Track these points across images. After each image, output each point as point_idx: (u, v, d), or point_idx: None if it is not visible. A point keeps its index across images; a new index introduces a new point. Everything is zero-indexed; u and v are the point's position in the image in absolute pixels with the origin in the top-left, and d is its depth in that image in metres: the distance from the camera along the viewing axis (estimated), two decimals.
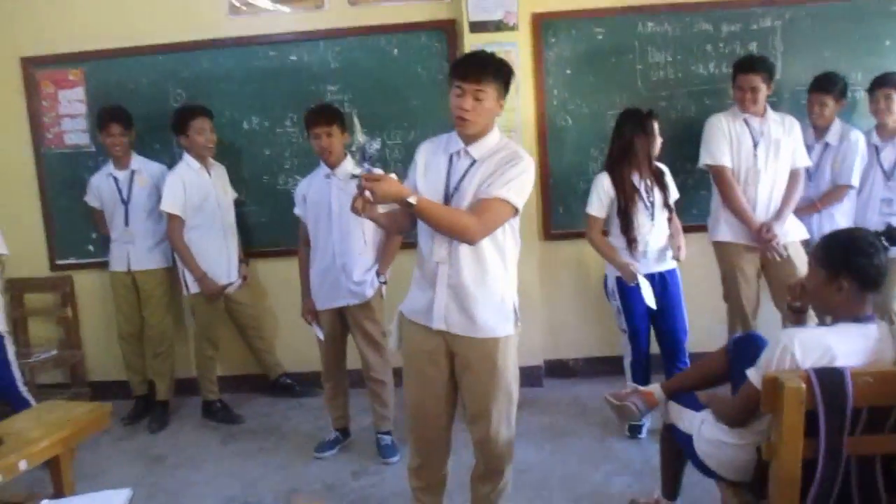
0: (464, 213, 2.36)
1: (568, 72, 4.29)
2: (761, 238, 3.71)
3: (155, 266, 4.27)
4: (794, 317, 2.36)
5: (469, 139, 2.44)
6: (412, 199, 2.25)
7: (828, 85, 3.90)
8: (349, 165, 3.48)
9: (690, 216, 4.05)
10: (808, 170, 3.90)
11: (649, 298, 3.52)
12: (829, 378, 1.90)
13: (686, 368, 2.68)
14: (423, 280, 2.52)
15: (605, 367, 4.47)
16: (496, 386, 2.51)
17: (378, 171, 2.24)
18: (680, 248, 3.62)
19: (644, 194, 3.58)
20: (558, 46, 4.27)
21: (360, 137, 2.25)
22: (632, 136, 3.56)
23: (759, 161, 3.75)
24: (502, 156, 2.42)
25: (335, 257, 3.51)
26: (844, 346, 2.00)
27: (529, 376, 4.35)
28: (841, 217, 3.97)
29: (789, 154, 3.79)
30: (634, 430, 3.63)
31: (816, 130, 4.01)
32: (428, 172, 2.47)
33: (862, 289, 2.06)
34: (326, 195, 3.51)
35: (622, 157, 3.58)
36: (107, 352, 4.61)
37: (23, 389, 3.61)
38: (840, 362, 1.97)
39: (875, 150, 3.95)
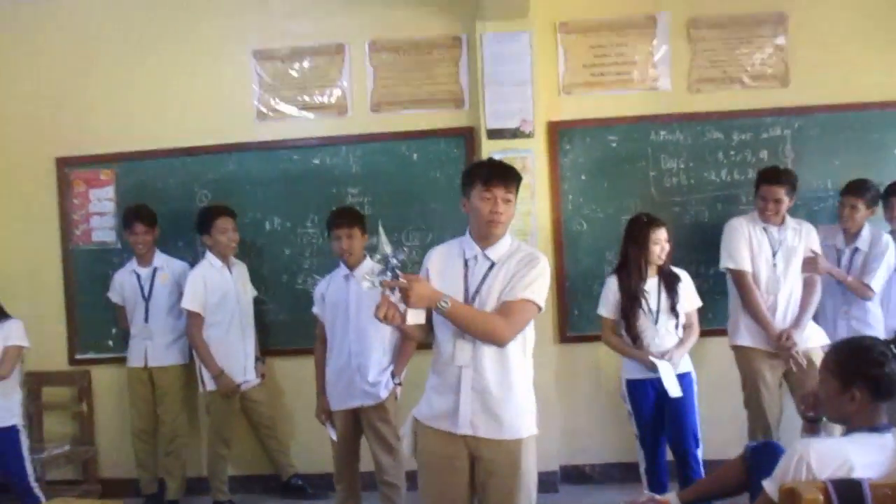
0: (493, 315, 2.43)
1: (583, 177, 4.39)
2: (781, 346, 3.70)
3: (172, 362, 4.30)
4: (809, 427, 2.32)
5: (487, 243, 2.52)
6: (446, 302, 2.31)
7: (860, 189, 3.93)
8: (366, 269, 3.48)
9: (706, 320, 4.04)
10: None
11: (671, 384, 3.47)
12: (848, 490, 1.86)
13: (703, 478, 2.61)
14: (442, 385, 2.52)
15: (621, 473, 4.38)
16: (519, 489, 2.51)
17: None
18: (672, 354, 3.57)
19: (645, 299, 3.60)
20: (573, 153, 4.39)
21: (386, 248, 2.31)
22: (627, 244, 3.67)
23: (779, 269, 3.79)
24: (520, 257, 2.51)
25: (351, 357, 3.53)
26: (862, 456, 1.97)
27: (545, 482, 4.22)
28: (872, 323, 3.94)
29: (798, 261, 3.83)
30: None
31: (846, 235, 4.02)
32: (443, 278, 2.51)
33: (875, 398, 2.04)
34: (344, 295, 3.56)
35: (624, 263, 3.68)
36: (119, 449, 4.58)
37: (34, 485, 3.62)
38: (858, 473, 1.93)
39: None
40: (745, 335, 3.84)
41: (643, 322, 3.59)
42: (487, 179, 2.47)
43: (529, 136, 4.27)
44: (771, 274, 3.79)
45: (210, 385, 4.13)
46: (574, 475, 4.47)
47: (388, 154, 4.47)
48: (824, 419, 2.30)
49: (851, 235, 4.00)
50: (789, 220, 3.85)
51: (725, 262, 3.87)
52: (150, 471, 4.41)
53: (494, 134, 4.28)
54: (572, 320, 4.43)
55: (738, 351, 3.90)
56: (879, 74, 4.31)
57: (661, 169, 4.38)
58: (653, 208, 4.27)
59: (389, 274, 2.29)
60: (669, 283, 3.65)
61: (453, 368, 2.48)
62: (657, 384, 3.54)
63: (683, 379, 3.58)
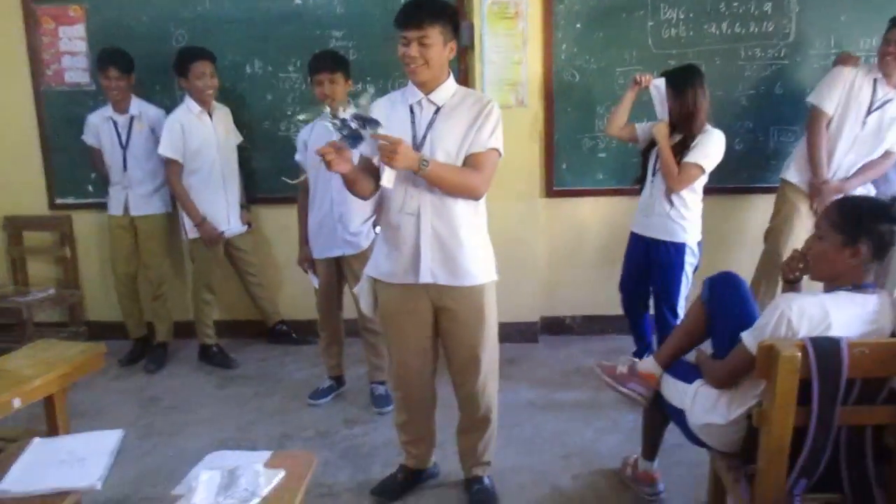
0: (468, 170, 2.40)
1: (578, 26, 4.19)
2: (815, 189, 3.71)
3: (154, 212, 4.24)
4: (789, 287, 2.32)
5: (426, 88, 2.43)
6: (426, 162, 2.28)
7: None
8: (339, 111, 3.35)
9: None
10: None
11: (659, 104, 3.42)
12: (826, 348, 1.89)
13: (672, 332, 2.64)
14: (395, 238, 2.49)
15: (601, 325, 4.50)
16: (484, 334, 2.58)
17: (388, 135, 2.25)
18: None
19: (653, 157, 3.50)
20: (569, 0, 4.17)
21: (363, 100, 2.27)
22: None
23: (867, 127, 3.68)
24: (471, 104, 2.45)
25: (333, 206, 3.48)
26: (842, 314, 1.99)
27: (525, 332, 4.38)
28: None
29: (894, 135, 3.70)
30: None
31: (889, 80, 3.68)
32: (389, 126, 2.37)
33: (875, 256, 2.03)
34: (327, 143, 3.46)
35: None
36: (105, 292, 4.62)
37: None
38: (836, 331, 1.96)
39: None
40: (796, 174, 3.84)
41: (648, 171, 3.52)
42: (399, 22, 2.35)
43: None
44: (856, 131, 3.69)
45: (192, 233, 4.10)
46: (554, 326, 4.57)
47: None
48: (804, 279, 2.29)
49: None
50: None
51: (812, 97, 3.77)
52: (136, 315, 4.45)
53: None
54: (559, 174, 4.36)
55: (786, 185, 3.90)
56: None
57: (659, 19, 4.17)
58: (649, 60, 4.15)
59: (362, 127, 2.22)
60: (683, 146, 3.38)
61: (406, 218, 2.45)
62: (645, 241, 3.51)
63: (673, 249, 3.44)
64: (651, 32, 4.18)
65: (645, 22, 4.17)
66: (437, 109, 2.45)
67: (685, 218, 3.41)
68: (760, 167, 4.25)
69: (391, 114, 2.45)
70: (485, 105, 2.44)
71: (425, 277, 2.48)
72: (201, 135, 4.02)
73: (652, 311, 3.70)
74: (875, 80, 3.65)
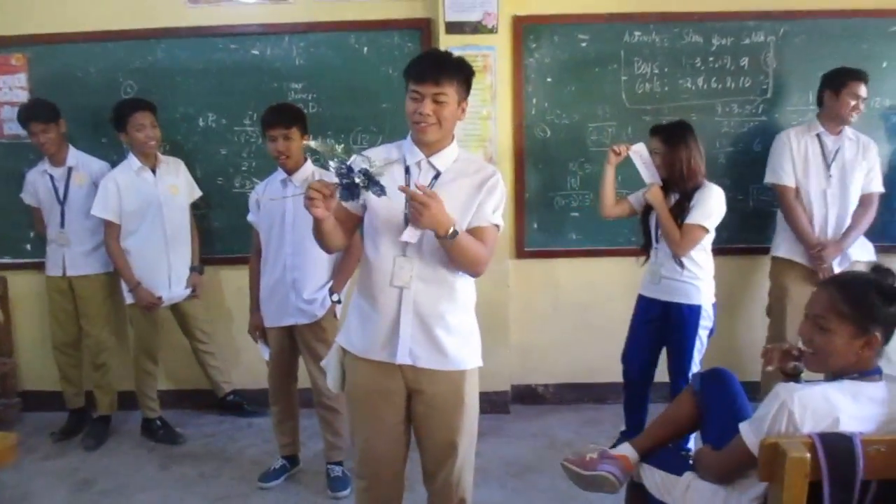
0: (479, 243, 2.16)
1: (549, 80, 4.03)
2: (813, 256, 3.63)
3: (92, 272, 3.92)
4: (788, 378, 2.09)
5: (429, 149, 2.20)
6: (457, 231, 2.04)
7: None
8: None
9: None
10: None
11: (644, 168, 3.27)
12: (838, 446, 1.65)
13: (655, 419, 2.39)
14: (374, 310, 2.23)
15: (576, 394, 4.26)
16: (461, 424, 2.30)
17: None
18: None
19: (654, 217, 3.35)
20: (539, 52, 4.01)
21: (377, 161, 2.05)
22: None
23: (833, 181, 3.66)
24: (473, 171, 2.23)
25: (286, 271, 3.22)
26: (850, 407, 1.75)
27: (496, 402, 4.11)
28: None
29: (863, 176, 3.68)
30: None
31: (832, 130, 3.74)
32: (389, 197, 2.10)
33: (886, 341, 1.82)
34: (281, 203, 3.21)
35: None
36: (42, 360, 4.25)
37: None
38: (844, 426, 1.72)
39: None
40: (783, 247, 3.79)
41: (653, 236, 3.37)
42: (416, 76, 2.13)
43: (492, 31, 3.86)
44: (823, 186, 3.68)
45: (129, 298, 3.81)
46: (526, 395, 4.31)
47: (336, 46, 4.03)
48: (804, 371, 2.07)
49: None
50: (848, 131, 3.69)
51: (768, 177, 3.77)
52: (76, 384, 4.11)
53: (454, 28, 3.86)
54: (530, 234, 4.16)
55: (775, 262, 3.83)
56: None
57: (633, 73, 4.02)
58: (622, 117, 3.99)
59: (364, 185, 1.99)
60: (681, 203, 3.24)
61: (390, 290, 2.19)
62: (658, 305, 3.31)
63: (687, 311, 3.23)
64: (625, 87, 4.03)
65: (618, 76, 4.02)
66: (437, 174, 2.22)
67: (699, 278, 3.25)
68: (739, 227, 4.06)
69: (388, 177, 2.16)
70: (489, 176, 2.23)
71: (402, 357, 2.22)
72: (141, 193, 3.75)
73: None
74: (818, 135, 3.69)
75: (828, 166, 3.67)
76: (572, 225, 4.14)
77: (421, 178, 2.20)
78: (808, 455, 1.63)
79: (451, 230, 2.02)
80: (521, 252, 4.16)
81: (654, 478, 2.19)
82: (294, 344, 3.35)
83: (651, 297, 3.35)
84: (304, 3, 4.03)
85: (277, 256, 3.24)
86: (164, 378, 4.23)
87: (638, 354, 3.44)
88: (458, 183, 2.21)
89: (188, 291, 3.95)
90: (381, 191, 2.00)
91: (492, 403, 4.06)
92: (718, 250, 3.96)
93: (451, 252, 2.10)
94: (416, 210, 1.97)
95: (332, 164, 2.00)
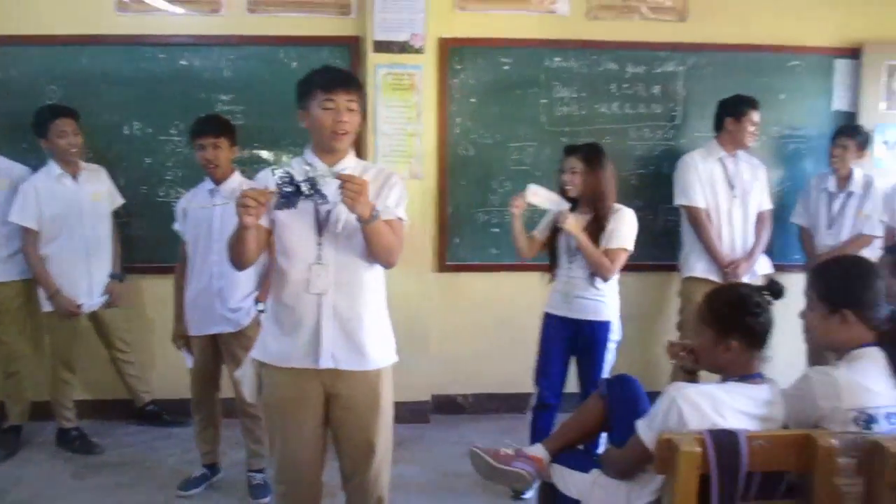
0: (392, 232, 2.28)
1: (473, 100, 4.19)
2: (727, 274, 3.83)
3: (10, 278, 3.83)
4: (687, 377, 2.28)
5: (331, 159, 2.31)
6: (377, 212, 2.16)
7: (851, 130, 4.06)
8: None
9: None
10: (828, 218, 4.06)
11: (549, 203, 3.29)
12: (725, 441, 1.82)
13: (564, 422, 2.54)
14: (294, 319, 2.30)
15: (495, 403, 4.37)
16: (378, 424, 2.41)
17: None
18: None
19: (564, 237, 3.33)
20: (464, 73, 4.18)
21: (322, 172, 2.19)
22: None
23: (737, 201, 3.92)
24: (374, 175, 2.36)
25: (212, 279, 3.26)
26: (733, 405, 1.94)
27: (416, 412, 4.20)
28: None
29: (759, 195, 3.98)
30: (518, 493, 3.37)
31: (838, 178, 4.06)
32: (330, 204, 2.22)
33: (750, 347, 2.02)
34: (208, 212, 3.26)
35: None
36: None
37: None
38: (728, 422, 1.90)
39: None
40: (698, 267, 3.96)
41: (561, 256, 3.37)
42: (329, 86, 2.23)
43: (419, 51, 4.00)
44: (728, 206, 3.93)
45: (47, 305, 3.76)
46: (446, 405, 4.42)
47: (265, 60, 4.10)
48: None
49: (843, 179, 4.04)
50: (741, 154, 3.96)
51: (679, 199, 3.96)
52: None
53: (382, 46, 3.98)
54: (453, 248, 4.29)
55: (690, 281, 4.00)
56: (775, 17, 4.28)
57: (553, 97, 4.23)
58: (542, 138, 4.18)
59: (305, 194, 2.11)
60: (597, 223, 3.27)
61: (309, 298, 2.27)
62: (570, 323, 3.34)
63: (598, 327, 3.33)
64: (544, 110, 4.23)
65: (538, 99, 4.22)
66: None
67: (607, 295, 3.33)
68: (649, 245, 4.27)
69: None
70: (388, 176, 2.39)
71: (326, 362, 2.29)
72: (61, 200, 3.72)
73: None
74: (721, 159, 3.94)
75: (732, 187, 3.92)
76: (493, 240, 4.28)
77: (326, 188, 2.22)
78: (699, 449, 1.79)
79: (373, 212, 2.14)
80: (444, 266, 4.29)
81: (563, 476, 2.32)
82: (218, 352, 3.38)
83: (563, 315, 3.36)
84: (235, 16, 4.09)
85: (204, 265, 3.28)
86: (82, 387, 4.15)
87: (553, 375, 3.42)
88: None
89: (104, 298, 3.91)
90: (323, 199, 2.11)
91: (413, 413, 4.15)
92: (630, 267, 4.19)
93: (373, 237, 2.20)
94: (352, 193, 2.06)
95: (277, 172, 2.10)
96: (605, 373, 3.37)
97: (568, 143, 3.49)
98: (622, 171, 4.20)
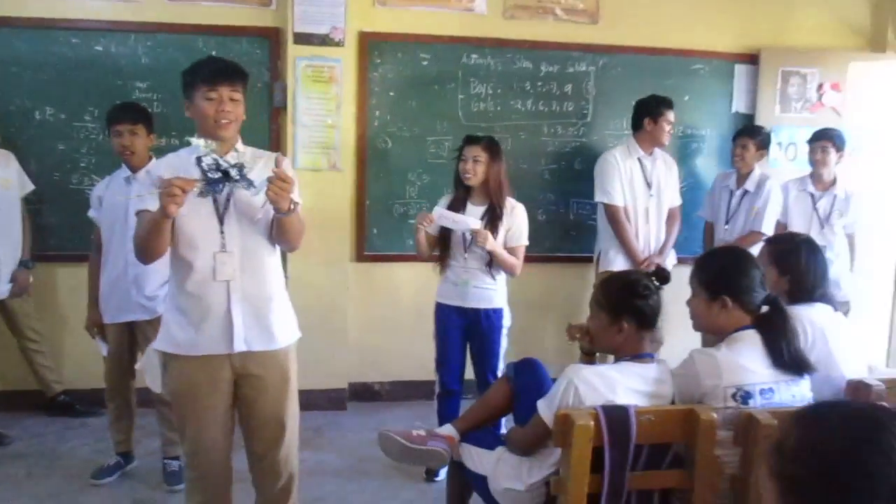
0: (299, 220, 2.34)
1: (391, 94, 4.28)
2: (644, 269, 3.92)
3: None
4: (586, 358, 2.46)
5: (224, 148, 2.31)
6: (296, 203, 2.22)
7: (751, 131, 4.25)
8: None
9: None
10: (727, 214, 4.25)
11: (457, 224, 3.30)
12: (616, 416, 1.97)
13: (473, 403, 2.67)
14: (198, 307, 2.33)
15: (410, 391, 4.47)
16: (288, 398, 2.50)
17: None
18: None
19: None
20: (383, 68, 4.25)
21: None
22: None
23: (653, 199, 4.07)
24: (265, 162, 2.39)
25: (128, 267, 3.25)
26: (625, 383, 2.10)
27: (333, 399, 4.27)
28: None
29: (671, 192, 4.15)
30: (432, 473, 3.50)
31: (738, 176, 4.25)
32: (258, 190, 2.23)
33: (640, 328, 2.19)
34: (124, 200, 3.24)
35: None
36: None
37: None
38: (620, 399, 2.05)
39: (811, 199, 4.23)
40: (617, 262, 4.06)
41: (455, 248, 3.41)
42: (211, 77, 2.29)
43: (339, 44, 4.06)
44: (645, 204, 4.06)
45: None
46: (363, 392, 4.50)
47: (183, 49, 4.06)
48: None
49: (742, 177, 4.23)
50: (657, 151, 4.11)
51: (599, 197, 4.06)
52: None
53: (302, 38, 4.03)
54: (370, 239, 4.37)
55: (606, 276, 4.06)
56: (681, 24, 4.53)
57: (469, 93, 4.36)
58: (459, 132, 4.23)
59: (233, 180, 2.15)
60: (495, 213, 3.36)
61: (216, 285, 2.32)
62: (465, 312, 3.43)
63: (493, 314, 3.43)
64: (461, 105, 4.35)
65: (456, 94, 4.33)
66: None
67: (500, 284, 3.45)
68: (560, 237, 4.49)
69: (183, 174, 2.20)
70: (282, 161, 2.35)
71: (239, 346, 2.34)
72: None
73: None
74: (639, 159, 4.07)
75: (649, 185, 4.09)
76: (409, 231, 4.32)
77: (252, 174, 2.25)
78: (592, 423, 1.94)
79: (293, 203, 2.21)
80: (361, 256, 4.37)
81: (471, 454, 2.45)
82: (133, 340, 3.38)
83: (457, 305, 3.45)
84: (152, 4, 4.06)
85: (119, 253, 3.26)
86: None
87: (453, 362, 3.52)
88: (259, 171, 2.31)
89: (9, 287, 3.83)
90: (249, 185, 2.16)
91: (330, 400, 4.23)
92: (542, 259, 4.37)
93: (289, 226, 2.28)
94: (282, 190, 2.14)
95: (205, 159, 2.14)
96: (501, 357, 3.51)
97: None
98: (535, 166, 4.42)
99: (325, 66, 4.04)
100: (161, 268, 3.21)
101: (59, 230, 4.12)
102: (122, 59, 4.05)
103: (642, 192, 4.07)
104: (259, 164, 2.37)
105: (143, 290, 3.27)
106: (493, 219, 3.36)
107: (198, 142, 2.18)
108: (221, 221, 2.30)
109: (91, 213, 3.43)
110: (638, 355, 2.18)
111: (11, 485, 3.38)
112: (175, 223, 2.27)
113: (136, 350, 3.42)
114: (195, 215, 2.29)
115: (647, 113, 4.03)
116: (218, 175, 2.14)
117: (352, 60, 4.16)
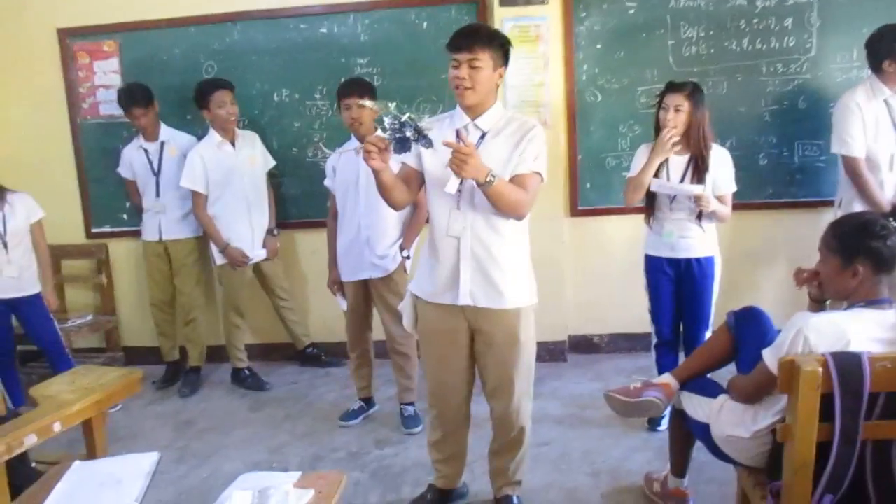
0: (519, 189, 2.42)
1: (598, 47, 4.24)
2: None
3: (185, 235, 4.36)
4: (814, 306, 2.34)
5: (473, 112, 2.47)
6: (494, 176, 2.31)
7: None
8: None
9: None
10: None
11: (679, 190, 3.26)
12: (847, 362, 1.90)
13: (693, 353, 2.65)
14: (437, 259, 2.54)
15: (629, 343, 4.50)
16: (518, 358, 2.59)
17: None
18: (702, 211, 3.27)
19: (666, 174, 3.33)
20: (589, 21, 4.22)
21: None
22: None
23: None
24: (516, 127, 2.48)
25: (360, 230, 3.55)
26: (860, 331, 1.99)
27: (553, 351, 4.39)
28: None
29: None
30: (654, 423, 3.51)
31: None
32: (436, 150, 2.39)
33: (877, 272, 2.06)
34: (355, 168, 3.53)
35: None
36: (140, 318, 4.75)
37: (66, 350, 3.87)
38: (854, 347, 1.96)
39: None
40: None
41: (661, 198, 3.39)
42: (451, 46, 2.40)
43: (543, 2, 4.10)
44: (892, 151, 3.55)
45: (219, 259, 4.22)
46: (583, 344, 4.58)
47: (397, 22, 4.32)
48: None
49: None
50: None
51: (836, 147, 3.64)
52: (171, 339, 4.56)
53: (507, 0, 4.10)
54: (584, 193, 4.40)
55: None
56: None
57: (679, 38, 4.20)
58: (670, 79, 4.12)
59: (414, 138, 2.27)
60: (699, 164, 3.27)
61: (448, 240, 2.50)
62: (675, 263, 3.41)
63: (704, 263, 3.37)
64: (672, 51, 4.21)
65: (665, 41, 4.21)
66: (483, 135, 2.48)
67: (708, 232, 3.38)
68: (785, 182, 4.24)
69: (437, 136, 2.40)
70: (529, 129, 2.46)
71: (464, 299, 2.52)
72: (224, 164, 4.14)
73: None
74: (885, 100, 3.55)
75: None
76: (622, 184, 4.29)
77: (469, 140, 2.41)
78: (820, 369, 1.88)
79: (487, 178, 2.29)
80: (575, 210, 4.41)
81: (692, 402, 2.46)
82: (369, 296, 3.69)
83: (669, 256, 3.41)
84: None
85: (353, 217, 3.58)
86: (250, 333, 4.64)
87: (668, 313, 3.50)
88: (503, 139, 2.46)
89: (263, 252, 4.32)
90: (428, 143, 2.29)
91: (550, 352, 4.36)
92: (761, 205, 4.16)
93: (491, 198, 2.36)
94: (458, 161, 2.25)
95: (386, 119, 2.27)
96: (712, 311, 3.42)
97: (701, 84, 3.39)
98: (755, 109, 4.20)
99: (532, 25, 4.10)
100: (391, 229, 3.54)
101: (299, 200, 4.57)
102: (344, 39, 4.37)
103: (890, 137, 3.57)
104: (511, 128, 2.47)
105: (375, 250, 3.54)
106: (697, 169, 3.27)
107: (378, 104, 2.30)
108: (461, 182, 2.41)
109: (327, 182, 3.77)
110: (874, 301, 2.06)
111: (274, 424, 3.86)
112: (426, 182, 2.53)
113: (372, 305, 3.74)
114: (437, 175, 2.47)
115: (887, 54, 3.49)
116: (399, 134, 2.26)
117: (557, 17, 4.18)
